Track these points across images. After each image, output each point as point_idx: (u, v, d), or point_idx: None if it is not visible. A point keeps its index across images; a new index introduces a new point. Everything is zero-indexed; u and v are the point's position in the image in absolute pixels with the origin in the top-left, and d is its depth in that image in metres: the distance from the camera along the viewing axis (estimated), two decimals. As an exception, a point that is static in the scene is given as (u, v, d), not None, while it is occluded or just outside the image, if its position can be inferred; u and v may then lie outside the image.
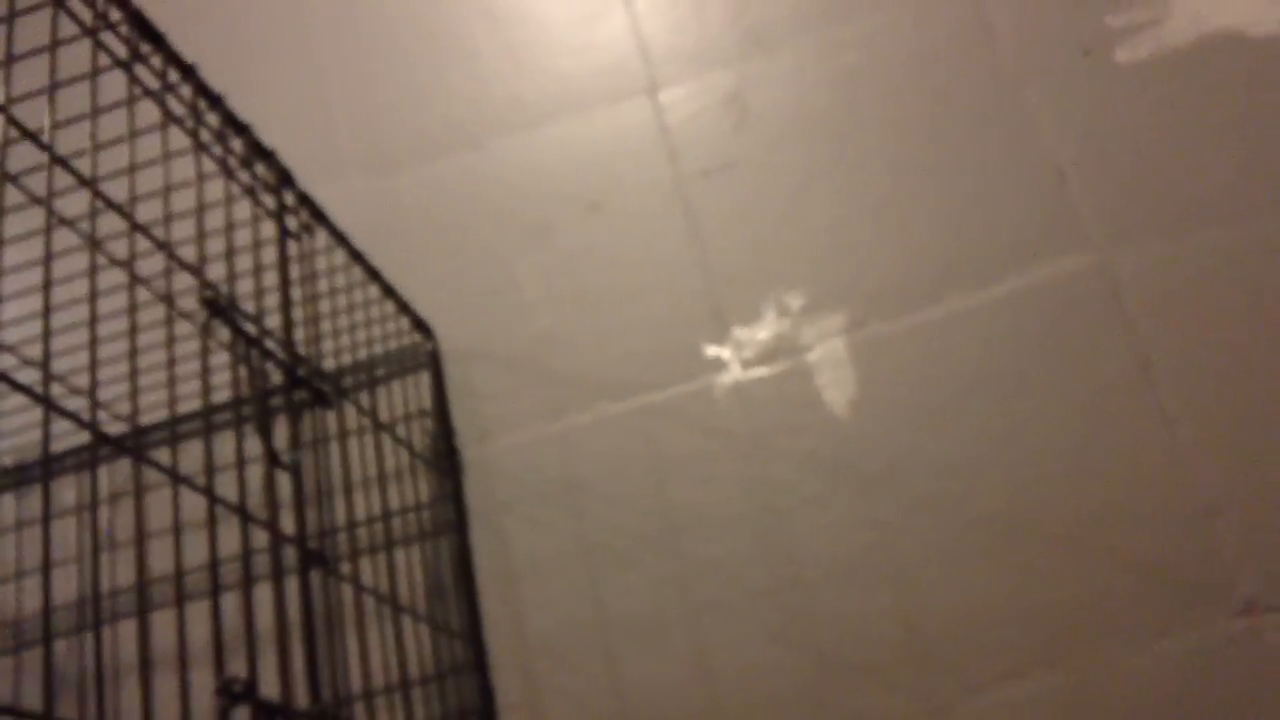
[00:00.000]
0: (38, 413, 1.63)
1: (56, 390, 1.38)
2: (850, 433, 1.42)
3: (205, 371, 0.90)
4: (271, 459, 0.96)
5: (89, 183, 0.82)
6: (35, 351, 1.43)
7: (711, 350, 1.51)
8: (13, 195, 1.29)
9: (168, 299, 0.94)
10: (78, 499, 1.62)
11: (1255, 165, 1.41)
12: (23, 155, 0.91)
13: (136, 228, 0.86)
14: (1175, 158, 1.45)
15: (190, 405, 1.50)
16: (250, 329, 0.95)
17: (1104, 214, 1.45)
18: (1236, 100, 1.45)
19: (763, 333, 1.50)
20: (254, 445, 1.04)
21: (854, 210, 1.54)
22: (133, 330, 0.85)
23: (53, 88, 0.83)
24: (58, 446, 1.63)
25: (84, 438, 1.61)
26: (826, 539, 1.40)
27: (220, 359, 1.57)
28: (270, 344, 0.99)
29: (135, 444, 0.87)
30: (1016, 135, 1.52)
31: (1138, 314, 1.39)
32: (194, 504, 1.56)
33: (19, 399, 1.59)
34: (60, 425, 1.61)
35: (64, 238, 1.23)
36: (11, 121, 0.77)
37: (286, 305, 1.08)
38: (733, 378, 1.48)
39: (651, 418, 1.50)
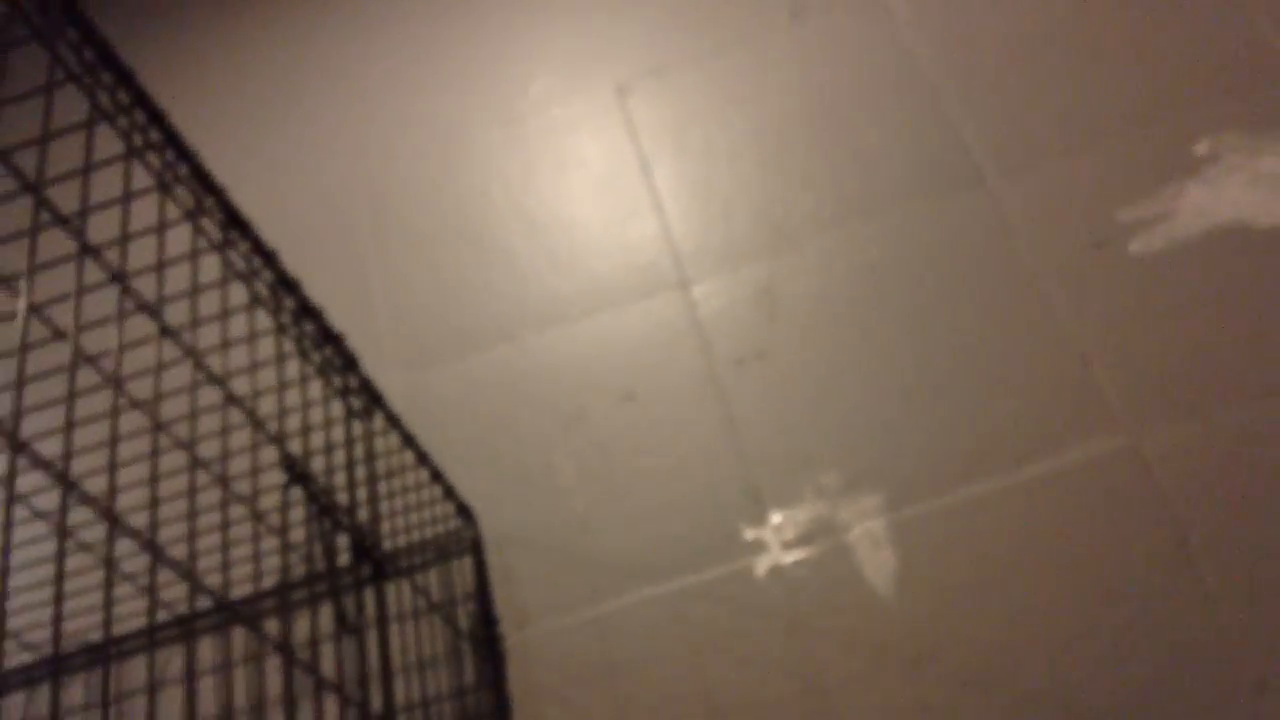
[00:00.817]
0: (47, 611, 1.64)
1: (130, 568, 1.40)
2: (892, 612, 1.43)
3: (285, 531, 0.93)
4: (340, 620, 0.98)
5: (198, 358, 0.87)
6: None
7: (750, 533, 1.53)
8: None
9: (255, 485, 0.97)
10: (85, 698, 1.61)
11: (1269, 348, 1.47)
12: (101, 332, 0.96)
13: (231, 399, 0.90)
14: (1192, 343, 1.51)
15: (242, 579, 1.51)
16: (324, 498, 0.99)
17: (1128, 397, 1.50)
18: (1246, 287, 1.52)
19: (801, 514, 1.52)
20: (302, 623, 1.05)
21: (883, 395, 1.59)
22: (225, 505, 0.89)
23: (160, 266, 0.89)
24: (68, 645, 1.63)
25: (96, 635, 1.62)
26: (867, 718, 1.39)
27: (271, 544, 1.59)
28: (340, 515, 1.02)
29: (215, 621, 0.89)
30: (1036, 324, 1.59)
31: (1171, 493, 1.42)
32: (208, 697, 1.56)
33: (38, 595, 1.60)
34: (73, 623, 1.62)
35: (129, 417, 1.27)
36: (148, 312, 0.83)
37: (351, 478, 1.12)
38: (772, 559, 1.51)
39: (689, 600, 1.51)
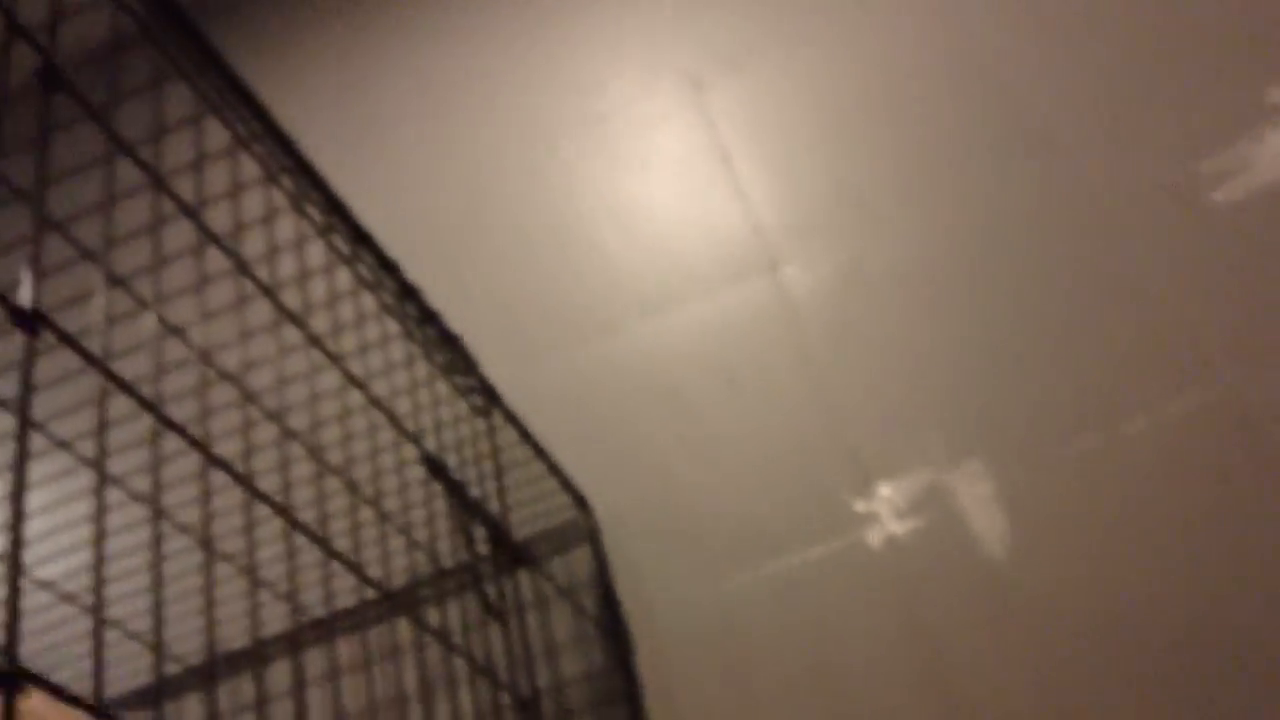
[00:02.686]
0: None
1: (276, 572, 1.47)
2: (1008, 575, 1.46)
3: (431, 523, 0.98)
4: (486, 608, 1.03)
5: (342, 367, 0.93)
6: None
7: (860, 504, 1.57)
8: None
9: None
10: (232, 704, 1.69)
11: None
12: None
13: (374, 402, 0.96)
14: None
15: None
16: (462, 491, 1.04)
17: (1223, 348, 1.51)
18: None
19: (908, 482, 1.55)
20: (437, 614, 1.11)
21: (979, 359, 1.61)
22: (354, 507, 0.94)
23: (302, 277, 0.95)
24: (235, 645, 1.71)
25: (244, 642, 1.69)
26: (992, 685, 1.42)
27: (398, 544, 1.66)
28: (476, 506, 1.08)
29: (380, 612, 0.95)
30: (1126, 279, 1.60)
31: (1273, 436, 1.43)
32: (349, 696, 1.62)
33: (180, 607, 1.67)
34: (269, 611, 1.70)
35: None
36: (285, 312, 0.89)
37: (480, 472, 1.17)
38: (884, 530, 1.54)
39: (805, 574, 1.55)
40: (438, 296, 1.97)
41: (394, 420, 0.98)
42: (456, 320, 1.93)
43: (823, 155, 1.89)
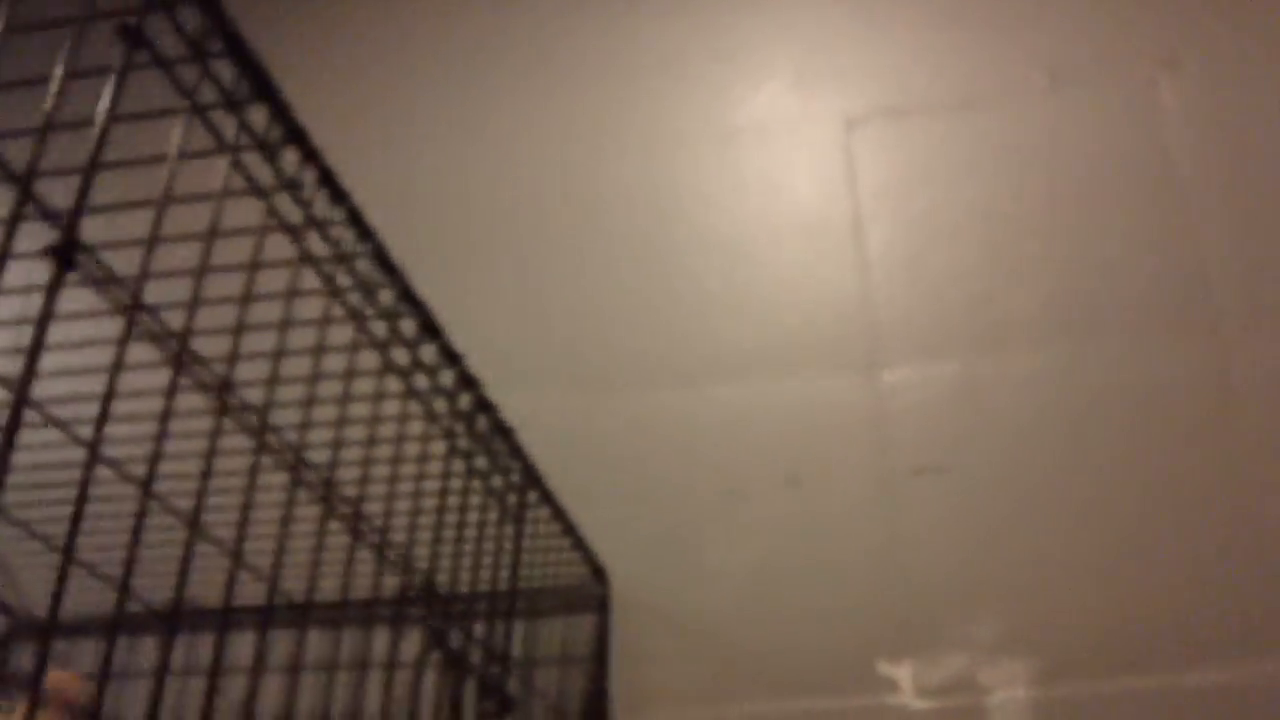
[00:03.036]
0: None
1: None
2: (1018, 798, 1.35)
3: (416, 689, 0.88)
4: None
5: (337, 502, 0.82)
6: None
7: (885, 667, 1.45)
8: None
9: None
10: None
11: None
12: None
13: (386, 547, 0.85)
14: None
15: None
16: (462, 659, 0.94)
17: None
18: None
19: (943, 662, 1.44)
20: None
21: (1063, 548, 1.48)
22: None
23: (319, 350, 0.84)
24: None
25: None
26: None
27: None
28: (472, 667, 0.98)
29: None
30: (1248, 511, 1.44)
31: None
32: None
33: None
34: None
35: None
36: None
37: (493, 608, 1.07)
38: (903, 702, 1.43)
39: (808, 722, 1.45)
40: (514, 300, 1.84)
41: (407, 567, 0.88)
42: (528, 331, 1.80)
43: (964, 249, 1.72)
